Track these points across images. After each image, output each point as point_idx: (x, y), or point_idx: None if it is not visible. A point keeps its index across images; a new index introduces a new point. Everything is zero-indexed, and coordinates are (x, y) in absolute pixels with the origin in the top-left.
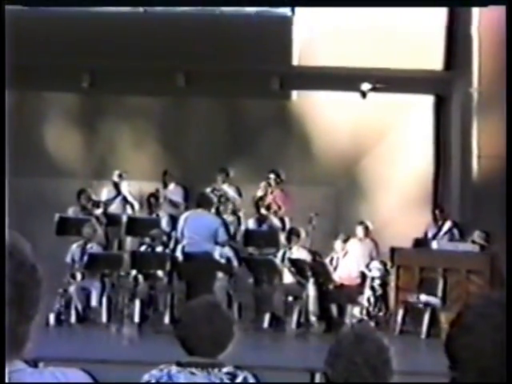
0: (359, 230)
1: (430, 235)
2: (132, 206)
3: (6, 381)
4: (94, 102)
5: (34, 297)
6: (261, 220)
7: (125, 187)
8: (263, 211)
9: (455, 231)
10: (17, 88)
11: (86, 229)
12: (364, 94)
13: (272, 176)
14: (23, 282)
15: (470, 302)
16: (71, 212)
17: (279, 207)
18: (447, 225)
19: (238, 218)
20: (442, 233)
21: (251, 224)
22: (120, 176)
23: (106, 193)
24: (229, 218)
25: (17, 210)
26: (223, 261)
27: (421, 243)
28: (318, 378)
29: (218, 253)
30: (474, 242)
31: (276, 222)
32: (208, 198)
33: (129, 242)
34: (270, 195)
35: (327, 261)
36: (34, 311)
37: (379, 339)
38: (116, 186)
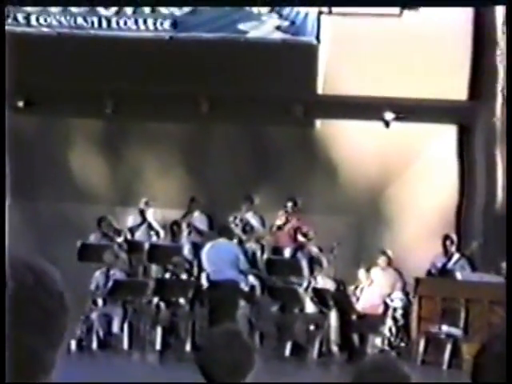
0: (381, 260)
1: (438, 266)
2: (157, 234)
3: None
4: (118, 127)
5: (62, 325)
6: (298, 248)
7: (150, 214)
8: (301, 238)
9: (464, 263)
10: (42, 114)
11: (107, 255)
12: (387, 124)
13: (289, 204)
14: (52, 310)
15: (497, 331)
16: (93, 239)
17: (304, 234)
18: (456, 256)
19: (262, 247)
20: (451, 264)
21: (287, 252)
22: (146, 203)
23: (131, 220)
24: (252, 246)
25: (40, 234)
26: (247, 289)
27: (430, 274)
28: None
29: (243, 281)
30: (499, 271)
31: (315, 249)
32: (229, 228)
33: (154, 269)
34: (289, 223)
35: (352, 290)
36: (61, 339)
37: (400, 369)
38: (142, 213)
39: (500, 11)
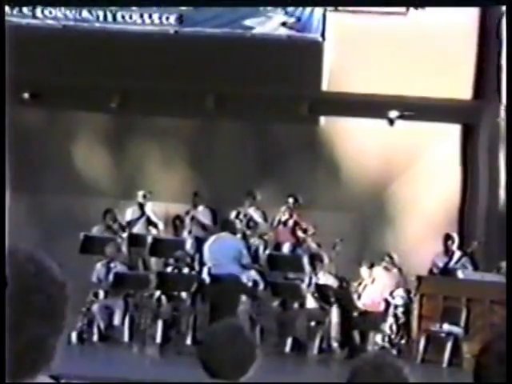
0: (385, 261)
1: (440, 265)
2: (156, 227)
3: None
4: (123, 121)
5: (63, 313)
6: (297, 244)
7: (149, 208)
8: (300, 234)
9: (466, 262)
10: (47, 107)
11: (109, 248)
12: (391, 122)
13: (291, 200)
14: (55, 296)
15: (499, 330)
16: (95, 231)
17: (305, 230)
18: (457, 255)
19: (265, 242)
20: (452, 263)
21: (286, 248)
22: (144, 196)
23: (130, 213)
24: (255, 241)
25: (44, 227)
26: (250, 284)
27: (431, 273)
28: None
29: (245, 276)
30: (500, 270)
31: (314, 245)
32: (232, 223)
33: (153, 262)
34: (291, 220)
35: (354, 286)
36: (62, 327)
37: (396, 366)
38: (141, 206)
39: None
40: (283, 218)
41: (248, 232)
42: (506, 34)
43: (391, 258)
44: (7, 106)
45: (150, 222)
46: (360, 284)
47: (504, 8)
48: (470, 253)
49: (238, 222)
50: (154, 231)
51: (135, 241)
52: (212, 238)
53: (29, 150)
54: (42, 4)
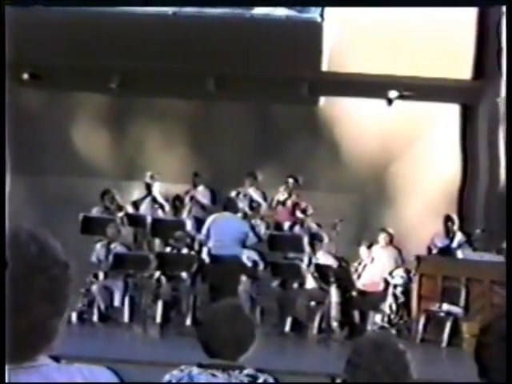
0: (382, 238)
1: (439, 246)
2: (162, 208)
3: (30, 375)
4: (123, 102)
5: (65, 293)
6: (297, 224)
7: (156, 188)
8: (299, 215)
9: (467, 247)
10: (46, 88)
11: (110, 229)
12: (390, 101)
13: (290, 180)
14: (57, 277)
15: (501, 311)
16: (95, 212)
17: (303, 210)
18: (458, 236)
19: (267, 224)
20: (454, 244)
21: (286, 227)
22: (152, 177)
23: (137, 193)
24: (257, 222)
25: (45, 208)
26: (250, 264)
27: (430, 253)
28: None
29: (245, 256)
30: (502, 253)
31: (314, 226)
32: (234, 202)
33: (157, 243)
34: (290, 199)
35: (354, 266)
36: (64, 307)
37: (396, 346)
38: (148, 186)
39: None
40: (282, 198)
41: (250, 213)
42: (506, 34)
43: (388, 233)
44: (7, 86)
45: (155, 202)
46: (359, 264)
47: (504, 8)
48: (472, 241)
49: (237, 201)
50: (160, 212)
51: (137, 222)
52: (214, 216)
53: (28, 131)
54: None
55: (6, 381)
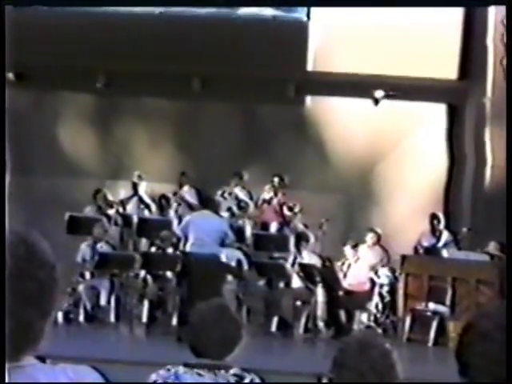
0: (369, 237)
1: (426, 245)
2: (148, 207)
3: (15, 374)
4: (109, 102)
5: (52, 295)
6: (284, 223)
7: (142, 188)
8: (287, 213)
9: (453, 246)
10: (33, 88)
11: (96, 229)
12: (377, 101)
13: (276, 179)
14: (44, 280)
15: (485, 310)
16: (88, 211)
17: (290, 208)
18: (445, 235)
19: (254, 223)
20: (440, 244)
21: (273, 227)
22: (139, 177)
23: (123, 192)
24: (244, 222)
25: (32, 208)
26: (233, 263)
27: (416, 252)
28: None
29: (224, 255)
30: (488, 253)
31: (300, 225)
32: (214, 201)
33: (144, 243)
34: (275, 198)
35: (338, 266)
36: (51, 309)
37: (381, 345)
38: (134, 186)
39: None
40: (267, 197)
41: (237, 212)
42: (506, 34)
43: (375, 233)
44: None
45: (141, 202)
46: (344, 263)
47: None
48: (458, 239)
49: (222, 200)
50: (146, 212)
51: (125, 221)
52: (194, 215)
53: (14, 131)
54: (41, 4)
55: None
